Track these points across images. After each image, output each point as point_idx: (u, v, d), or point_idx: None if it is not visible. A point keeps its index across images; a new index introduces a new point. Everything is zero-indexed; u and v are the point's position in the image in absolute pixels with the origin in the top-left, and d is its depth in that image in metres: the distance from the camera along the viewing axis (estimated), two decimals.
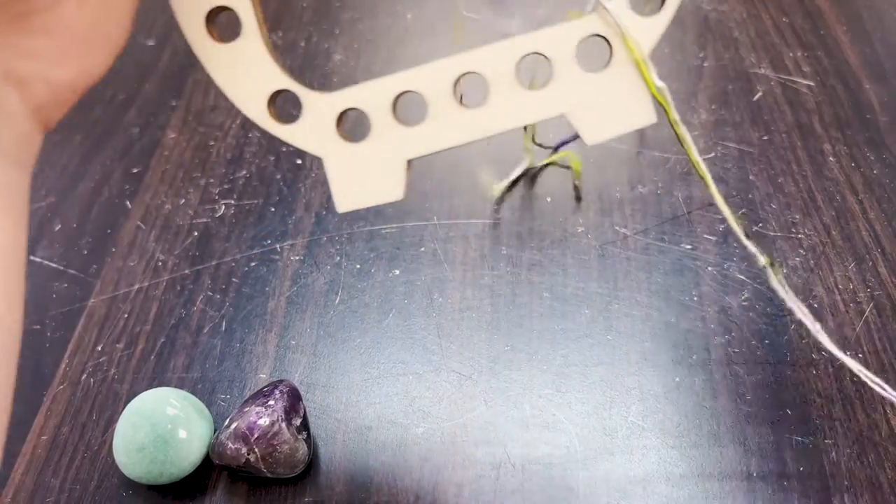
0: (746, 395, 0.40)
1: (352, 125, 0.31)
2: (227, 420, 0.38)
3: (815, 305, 0.44)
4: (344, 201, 0.31)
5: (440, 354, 0.43)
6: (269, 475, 0.37)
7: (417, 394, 0.42)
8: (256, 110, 0.30)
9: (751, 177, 0.51)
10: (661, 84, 0.29)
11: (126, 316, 0.46)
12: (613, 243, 0.48)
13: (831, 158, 0.52)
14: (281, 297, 0.47)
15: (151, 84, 0.62)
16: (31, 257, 0.50)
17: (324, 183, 0.53)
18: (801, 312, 0.34)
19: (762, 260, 0.33)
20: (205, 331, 0.45)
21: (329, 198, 0.52)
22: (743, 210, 0.49)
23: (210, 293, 0.47)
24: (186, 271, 0.48)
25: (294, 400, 0.39)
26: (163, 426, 0.37)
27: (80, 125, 0.59)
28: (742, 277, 0.45)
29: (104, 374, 0.44)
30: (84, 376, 0.44)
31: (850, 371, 0.39)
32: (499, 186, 0.51)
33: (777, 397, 0.40)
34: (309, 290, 0.47)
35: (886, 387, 0.35)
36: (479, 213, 0.50)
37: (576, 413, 0.40)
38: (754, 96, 0.57)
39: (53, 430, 0.41)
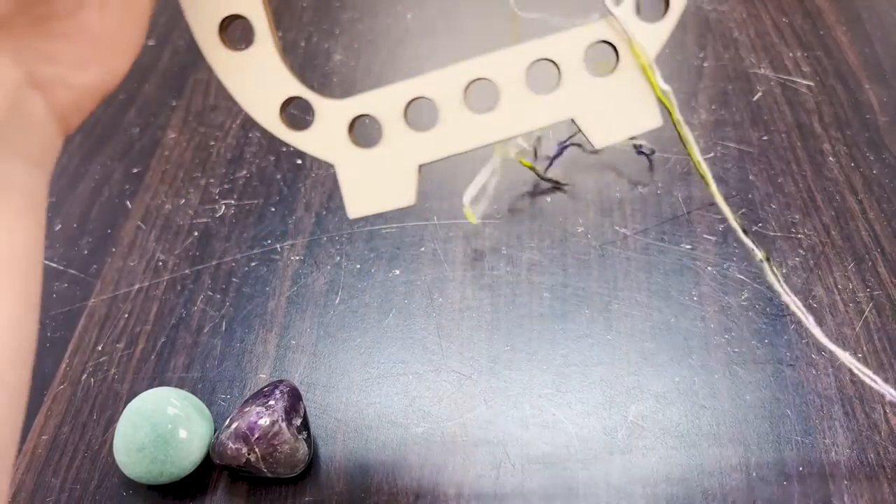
0: (746, 395, 0.40)
1: (362, 131, 0.32)
2: (228, 420, 0.38)
3: (815, 305, 0.44)
4: (356, 207, 0.32)
5: (440, 354, 0.43)
6: (269, 475, 0.37)
7: (417, 394, 0.42)
8: (269, 117, 0.30)
9: (751, 177, 0.51)
10: (666, 87, 0.29)
11: (126, 316, 0.46)
12: (613, 243, 0.48)
13: (831, 158, 0.52)
14: (281, 297, 0.47)
15: (151, 84, 0.62)
16: None
17: (324, 183, 0.53)
18: (796, 307, 0.34)
19: (759, 254, 0.34)
20: (205, 331, 0.45)
21: (329, 197, 0.52)
22: (743, 210, 0.49)
23: (210, 293, 0.47)
24: (187, 271, 0.48)
25: (294, 400, 0.39)
26: (163, 426, 0.37)
27: (80, 125, 0.59)
28: (742, 277, 0.45)
29: (104, 374, 0.44)
30: (84, 376, 0.44)
31: (850, 371, 0.39)
32: (468, 194, 0.47)
33: (777, 397, 0.40)
34: (309, 290, 0.47)
35: (878, 379, 0.35)
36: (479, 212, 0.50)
37: (576, 413, 0.40)
38: (754, 96, 0.57)
39: (54, 429, 0.41)
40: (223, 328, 0.45)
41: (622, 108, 0.30)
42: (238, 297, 0.47)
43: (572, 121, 0.30)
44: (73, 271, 0.49)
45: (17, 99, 0.23)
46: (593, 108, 0.30)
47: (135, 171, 0.55)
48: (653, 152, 0.52)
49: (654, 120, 0.30)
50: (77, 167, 0.56)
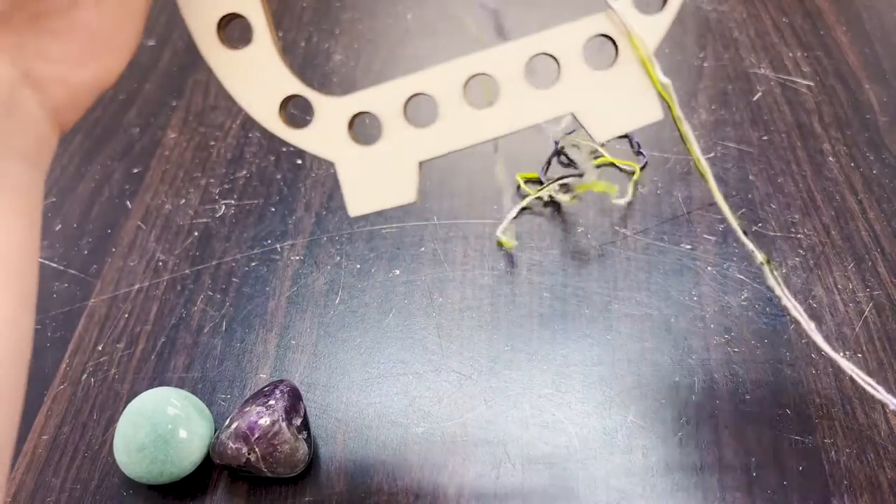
0: (746, 395, 0.40)
1: (362, 128, 0.32)
2: (228, 420, 0.38)
3: (815, 305, 0.44)
4: (356, 205, 0.31)
5: (440, 354, 0.43)
6: (269, 475, 0.37)
7: (417, 393, 0.42)
8: (268, 116, 0.30)
9: (750, 177, 0.51)
10: (665, 80, 0.29)
11: (126, 316, 0.46)
12: (613, 243, 0.48)
13: (831, 158, 0.52)
14: (281, 297, 0.47)
15: (151, 84, 0.62)
16: None
17: (324, 183, 0.53)
18: (796, 310, 0.34)
19: (759, 257, 0.34)
20: (205, 330, 0.45)
21: (329, 197, 0.52)
22: (743, 210, 0.49)
23: (210, 293, 0.47)
24: (187, 271, 0.48)
25: (294, 400, 0.39)
26: (163, 426, 0.37)
27: (80, 125, 0.59)
28: (741, 277, 0.46)
29: (105, 374, 0.44)
30: (84, 376, 0.44)
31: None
32: (504, 228, 0.49)
33: (777, 397, 0.40)
34: (309, 289, 0.47)
35: (880, 388, 0.35)
36: (478, 213, 0.50)
37: (576, 413, 0.40)
38: (754, 96, 0.57)
39: (54, 429, 0.41)
40: (223, 328, 0.45)
41: (622, 101, 0.30)
42: (238, 297, 0.47)
43: (573, 115, 0.30)
44: (73, 271, 0.49)
45: (12, 96, 0.23)
46: (593, 103, 0.30)
47: (135, 171, 0.55)
48: (644, 160, 0.52)
49: (654, 113, 0.30)
50: (77, 167, 0.56)
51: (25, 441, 0.41)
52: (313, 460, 0.39)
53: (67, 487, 0.39)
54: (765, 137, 0.54)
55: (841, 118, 0.55)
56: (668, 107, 0.30)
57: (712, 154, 0.53)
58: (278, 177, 0.54)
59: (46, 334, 0.46)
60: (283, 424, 0.37)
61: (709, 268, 0.46)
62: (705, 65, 0.59)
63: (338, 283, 0.47)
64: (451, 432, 0.40)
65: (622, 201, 0.50)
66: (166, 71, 0.63)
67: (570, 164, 0.53)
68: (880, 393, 0.35)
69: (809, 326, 0.34)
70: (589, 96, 0.30)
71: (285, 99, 0.30)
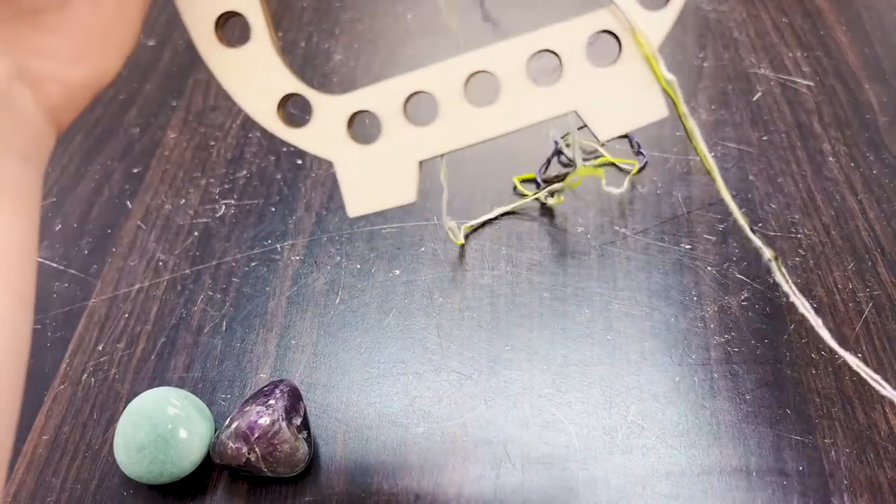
0: (746, 395, 0.40)
1: (361, 127, 0.31)
2: (228, 419, 0.38)
3: (815, 305, 0.44)
4: (355, 206, 0.31)
5: (440, 354, 0.43)
6: (269, 474, 0.37)
7: (417, 393, 0.42)
8: (266, 115, 0.30)
9: (750, 177, 0.51)
10: (670, 77, 0.28)
11: (127, 316, 0.46)
12: (613, 243, 0.48)
13: (831, 158, 0.52)
14: (281, 297, 0.47)
15: (151, 84, 0.62)
16: None
17: (324, 183, 0.53)
18: (804, 307, 0.34)
19: (767, 253, 0.33)
20: (205, 330, 0.45)
21: (329, 197, 0.52)
22: (742, 210, 0.49)
23: (210, 293, 0.47)
24: (187, 271, 0.48)
25: (294, 399, 0.39)
26: (163, 426, 0.37)
27: (80, 125, 0.59)
28: (741, 277, 0.46)
29: (105, 374, 0.44)
30: (85, 376, 0.44)
31: (850, 370, 0.39)
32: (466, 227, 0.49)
33: (777, 397, 0.40)
34: (309, 289, 0.47)
35: (885, 384, 0.35)
36: (478, 213, 0.50)
37: (576, 413, 0.40)
38: (754, 96, 0.57)
39: (54, 429, 0.41)
40: (223, 328, 0.45)
41: (626, 99, 0.29)
42: (238, 296, 0.47)
43: (576, 113, 0.30)
44: (73, 271, 0.49)
45: (6, 93, 0.23)
46: (596, 100, 0.29)
47: (135, 171, 0.55)
48: (644, 161, 0.52)
49: (659, 110, 0.29)
50: (77, 167, 0.56)
51: (25, 441, 0.41)
52: (313, 460, 0.39)
53: (67, 487, 0.39)
54: (765, 137, 0.54)
55: (841, 118, 0.55)
56: (672, 104, 0.29)
57: (712, 154, 0.53)
58: (278, 177, 0.54)
59: (46, 334, 0.46)
60: (283, 424, 0.37)
61: (709, 268, 0.46)
62: (705, 65, 0.59)
63: (338, 282, 0.47)
64: (451, 432, 0.40)
65: (615, 191, 0.49)
66: (166, 71, 0.63)
67: (570, 164, 0.53)
68: (886, 389, 0.35)
69: (817, 322, 0.34)
70: (592, 94, 0.29)
71: (284, 97, 0.30)
